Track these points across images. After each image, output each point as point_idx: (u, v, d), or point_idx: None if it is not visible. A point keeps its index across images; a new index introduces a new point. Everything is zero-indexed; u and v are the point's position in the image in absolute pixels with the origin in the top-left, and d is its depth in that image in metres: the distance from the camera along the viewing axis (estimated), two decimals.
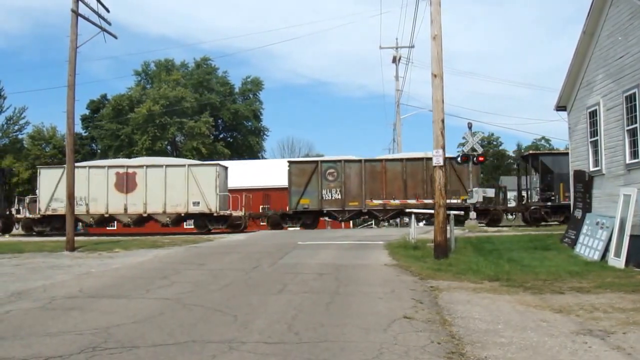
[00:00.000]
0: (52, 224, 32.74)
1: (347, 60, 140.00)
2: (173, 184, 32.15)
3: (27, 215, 33.36)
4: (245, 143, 78.19)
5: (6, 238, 29.68)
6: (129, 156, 62.94)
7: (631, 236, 12.97)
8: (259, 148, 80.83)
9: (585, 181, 16.69)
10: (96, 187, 32.18)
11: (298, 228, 33.05)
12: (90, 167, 33.54)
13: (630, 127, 14.01)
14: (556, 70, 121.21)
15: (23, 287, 11.67)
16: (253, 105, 79.90)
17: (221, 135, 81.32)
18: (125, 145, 69.62)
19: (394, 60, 47.48)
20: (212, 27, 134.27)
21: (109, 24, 22.84)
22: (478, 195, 28.20)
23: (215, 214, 31.48)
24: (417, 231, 19.60)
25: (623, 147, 14.31)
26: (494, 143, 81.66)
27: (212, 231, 32.10)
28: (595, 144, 16.18)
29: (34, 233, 32.68)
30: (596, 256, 14.13)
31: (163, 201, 32.11)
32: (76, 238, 21.85)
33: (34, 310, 9.28)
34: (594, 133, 16.17)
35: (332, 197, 32.49)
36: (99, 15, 22.31)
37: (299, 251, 17.88)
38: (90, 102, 75.85)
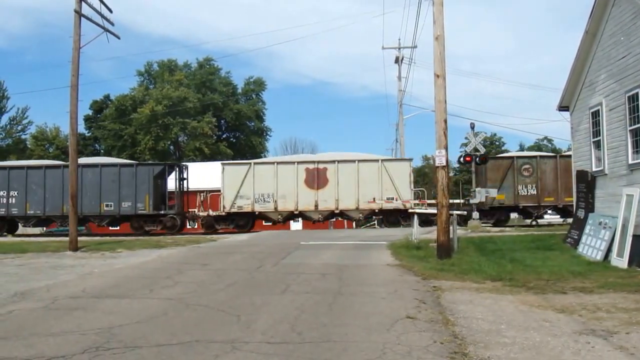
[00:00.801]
0: (235, 221, 32.68)
1: (349, 60, 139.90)
2: (365, 179, 31.93)
3: (211, 213, 33.19)
4: (248, 143, 78.23)
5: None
6: (131, 156, 63.08)
7: (634, 236, 12.95)
8: (262, 148, 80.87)
9: (587, 181, 16.68)
10: (285, 183, 31.93)
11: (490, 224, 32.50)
12: (278, 162, 33.16)
13: (633, 127, 13.99)
14: (558, 70, 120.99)
15: (26, 287, 11.70)
16: (256, 105, 79.95)
17: (224, 136, 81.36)
18: (128, 145, 69.71)
19: (397, 60, 47.44)
20: (215, 27, 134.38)
21: (112, 24, 22.89)
22: (481, 195, 28.19)
23: (409, 210, 29.94)
24: (420, 231, 19.59)
25: (626, 147, 14.28)
26: (497, 143, 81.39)
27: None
28: (597, 144, 16.16)
29: (219, 230, 32.65)
30: (599, 256, 14.11)
31: (356, 197, 31.96)
32: (79, 238, 21.90)
33: (37, 310, 9.30)
34: (597, 133, 16.15)
35: (527, 192, 32.24)
36: (102, 16, 22.34)
37: (302, 251, 17.90)
38: (94, 103, 75.95)
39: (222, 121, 78.53)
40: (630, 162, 14.11)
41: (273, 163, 32.77)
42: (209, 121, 70.89)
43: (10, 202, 32.96)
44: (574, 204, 18.29)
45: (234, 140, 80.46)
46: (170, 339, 7.12)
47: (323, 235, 26.81)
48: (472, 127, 29.99)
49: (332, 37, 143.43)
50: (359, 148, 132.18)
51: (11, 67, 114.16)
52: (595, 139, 16.26)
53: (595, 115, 16.18)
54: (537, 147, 71.43)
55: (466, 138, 30.73)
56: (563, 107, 18.79)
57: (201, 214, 34.30)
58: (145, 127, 68.23)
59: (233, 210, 32.23)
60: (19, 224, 34.64)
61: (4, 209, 32.86)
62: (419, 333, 7.28)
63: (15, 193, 32.90)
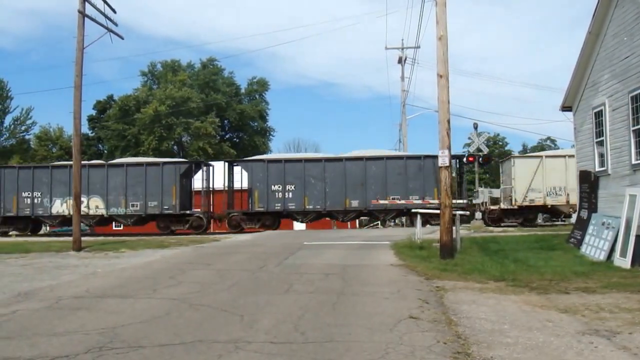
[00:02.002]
0: (524, 215, 32.49)
1: (353, 61, 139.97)
2: None
3: (502, 206, 32.69)
4: (251, 143, 78.26)
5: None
6: (135, 157, 63.14)
7: (637, 236, 12.92)
8: (265, 148, 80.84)
9: (590, 181, 16.67)
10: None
11: None
12: (567, 156, 32.35)
13: (636, 127, 13.98)
14: (562, 70, 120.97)
15: (30, 287, 11.73)
16: (259, 105, 80.00)
17: (227, 136, 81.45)
18: (131, 145, 69.80)
19: (400, 60, 47.45)
20: (218, 28, 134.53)
21: (116, 24, 22.94)
22: (484, 195, 28.19)
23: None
24: (423, 231, 19.59)
25: (629, 148, 14.28)
26: (500, 143, 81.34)
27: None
28: (600, 144, 16.15)
29: (516, 225, 32.33)
30: (602, 256, 14.10)
31: None
32: (82, 238, 21.94)
33: (41, 310, 9.32)
34: (600, 133, 16.14)
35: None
36: (106, 16, 22.39)
37: (304, 251, 17.90)
38: (97, 103, 76.13)
39: (226, 121, 78.60)
40: (633, 162, 14.11)
41: (564, 156, 31.94)
42: (212, 121, 70.95)
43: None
44: (577, 204, 18.29)
45: (237, 141, 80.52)
46: (173, 339, 7.14)
47: (326, 235, 26.81)
48: (476, 127, 30.03)
49: (335, 37, 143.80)
50: (362, 148, 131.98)
51: (16, 67, 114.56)
52: (598, 139, 16.25)
53: (599, 115, 16.17)
54: (540, 147, 71.38)
55: (469, 138, 30.77)
56: (566, 108, 18.78)
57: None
58: (149, 127, 68.30)
59: (525, 203, 31.77)
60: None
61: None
62: (422, 333, 7.28)
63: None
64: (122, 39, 23.58)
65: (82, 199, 31.83)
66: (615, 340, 6.88)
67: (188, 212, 33.60)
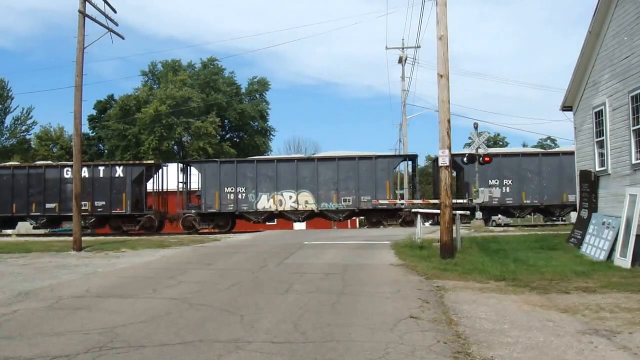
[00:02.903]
0: None
1: (353, 61, 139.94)
2: None
3: None
4: (252, 143, 78.17)
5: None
6: (136, 156, 63.18)
7: (637, 236, 12.92)
8: (266, 148, 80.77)
9: (591, 181, 16.66)
10: None
11: None
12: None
13: (637, 127, 13.98)
14: (562, 70, 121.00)
15: (30, 287, 11.73)
16: (260, 105, 79.91)
17: (228, 136, 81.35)
18: (132, 145, 69.74)
19: (401, 60, 47.42)
20: (219, 28, 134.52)
21: (116, 24, 22.95)
22: (484, 195, 28.16)
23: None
24: (423, 231, 19.59)
25: (629, 148, 14.28)
26: (500, 143, 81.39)
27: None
28: (601, 144, 16.15)
29: None
30: (602, 256, 14.10)
31: None
32: (83, 238, 21.95)
33: (41, 310, 9.33)
34: (600, 133, 16.14)
35: None
36: (107, 17, 22.41)
37: (305, 251, 17.91)
38: (98, 103, 76.05)
39: (226, 121, 78.52)
40: (633, 162, 14.11)
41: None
42: (213, 121, 70.87)
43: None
44: (578, 204, 18.28)
45: (238, 141, 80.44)
46: (173, 339, 7.14)
47: (326, 235, 26.82)
48: (476, 127, 29.95)
49: (336, 37, 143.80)
50: (362, 147, 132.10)
51: (16, 67, 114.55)
52: (599, 139, 16.25)
53: (599, 115, 16.17)
54: (541, 147, 71.29)
55: (470, 138, 30.70)
56: (567, 107, 18.77)
57: None
58: (150, 127, 68.24)
59: None
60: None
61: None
62: (422, 333, 7.29)
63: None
64: (123, 39, 23.61)
65: (291, 194, 32.66)
66: (615, 340, 6.88)
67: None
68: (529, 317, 8.21)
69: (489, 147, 31.68)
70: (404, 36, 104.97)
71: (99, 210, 33.41)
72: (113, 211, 33.37)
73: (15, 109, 68.87)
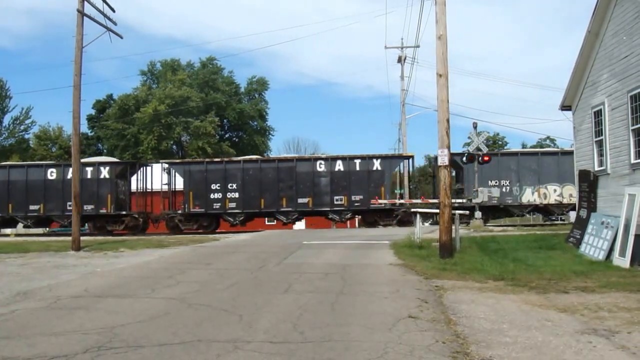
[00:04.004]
0: None
1: (353, 60, 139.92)
2: None
3: None
4: (251, 143, 78.20)
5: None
6: (134, 156, 63.19)
7: (636, 236, 12.93)
8: (265, 148, 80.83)
9: (590, 181, 16.66)
10: None
11: None
12: None
13: (635, 126, 13.98)
14: (561, 70, 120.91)
15: (28, 286, 11.72)
16: (258, 105, 79.93)
17: (227, 135, 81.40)
18: (131, 145, 69.76)
19: (400, 60, 47.46)
20: (218, 27, 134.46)
21: (115, 23, 22.93)
22: (483, 195, 28.16)
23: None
24: (422, 230, 19.58)
25: (628, 147, 14.28)
26: (499, 143, 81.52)
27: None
28: (600, 144, 16.14)
29: None
30: (601, 256, 14.10)
31: None
32: (82, 238, 21.93)
33: (40, 309, 9.32)
34: (599, 133, 16.14)
35: None
36: (105, 15, 22.38)
37: (304, 251, 17.90)
38: (96, 102, 76.10)
39: (225, 120, 78.54)
40: (632, 161, 14.11)
41: None
42: (211, 120, 70.88)
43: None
44: (577, 203, 18.29)
45: (237, 140, 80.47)
46: (172, 339, 7.14)
47: (325, 234, 26.82)
48: (475, 126, 29.97)
49: (335, 36, 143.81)
50: (362, 147, 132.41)
51: (15, 67, 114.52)
52: (598, 139, 16.24)
53: (598, 114, 16.16)
54: (540, 146, 71.37)
55: (469, 137, 30.72)
56: (565, 107, 18.76)
57: None
58: (148, 126, 68.23)
59: None
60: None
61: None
62: (421, 332, 7.28)
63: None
64: (121, 38, 23.59)
65: (555, 187, 32.10)
66: (614, 340, 6.88)
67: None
68: (528, 316, 8.21)
69: (487, 146, 31.70)
70: (403, 35, 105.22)
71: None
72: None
73: (13, 108, 68.80)
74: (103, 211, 33.19)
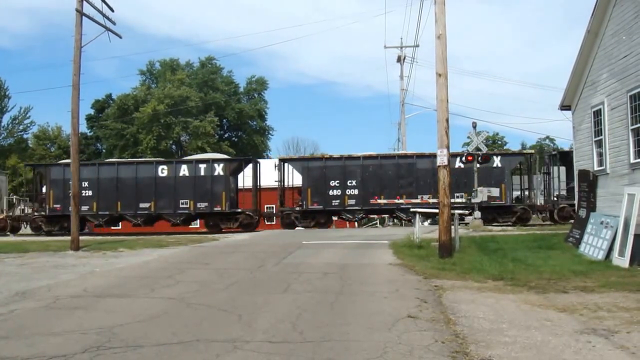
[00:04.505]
0: None
1: (352, 59, 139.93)
2: None
3: None
4: (250, 142, 78.16)
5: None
6: (133, 156, 63.13)
7: (635, 235, 12.92)
8: (264, 147, 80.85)
9: (589, 180, 16.66)
10: None
11: None
12: None
13: (635, 126, 13.98)
14: (561, 69, 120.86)
15: (27, 286, 11.71)
16: (258, 104, 79.89)
17: (226, 135, 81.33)
18: (130, 144, 69.71)
19: (399, 59, 47.48)
20: (217, 27, 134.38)
21: (114, 23, 22.91)
22: (482, 194, 28.13)
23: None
24: (422, 230, 19.57)
25: (627, 147, 14.28)
26: (499, 142, 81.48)
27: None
28: (599, 144, 16.14)
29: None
30: (600, 255, 14.10)
31: None
32: (80, 237, 21.90)
33: (38, 309, 9.32)
34: (598, 132, 16.14)
35: None
36: (104, 15, 22.36)
37: (303, 250, 17.89)
38: (95, 102, 76.00)
39: (224, 120, 78.50)
40: (631, 161, 14.11)
41: None
42: (211, 120, 70.82)
43: None
44: (576, 203, 18.28)
45: (236, 140, 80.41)
46: (171, 338, 7.13)
47: (325, 234, 26.80)
48: (474, 126, 29.96)
49: (334, 36, 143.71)
50: (361, 147, 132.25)
51: (13, 66, 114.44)
52: (597, 138, 16.24)
53: (597, 114, 16.16)
54: (539, 146, 71.42)
55: (468, 137, 30.72)
56: (565, 107, 18.77)
57: None
58: (147, 126, 68.17)
59: None
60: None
61: None
62: (420, 332, 7.28)
63: None
64: (120, 37, 23.54)
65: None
66: (613, 340, 6.88)
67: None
68: (527, 316, 8.21)
69: (487, 146, 31.72)
70: (402, 35, 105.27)
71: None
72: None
73: (12, 108, 68.67)
74: (217, 209, 32.29)
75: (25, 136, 71.45)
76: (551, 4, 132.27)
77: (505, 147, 78.58)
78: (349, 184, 32.79)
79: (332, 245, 19.72)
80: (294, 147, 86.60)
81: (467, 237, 20.49)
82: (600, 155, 16.15)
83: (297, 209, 33.60)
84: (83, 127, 70.30)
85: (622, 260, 13.04)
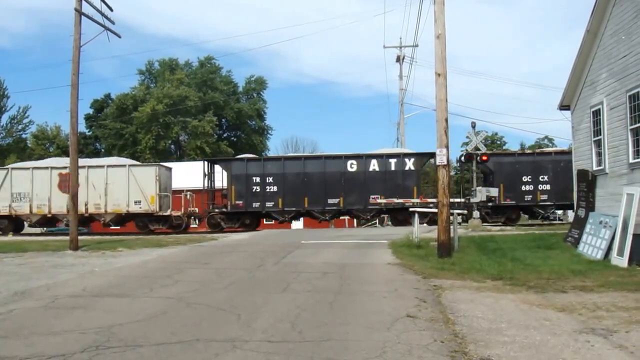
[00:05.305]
0: None
1: (352, 59, 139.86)
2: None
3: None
4: (249, 142, 78.21)
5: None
6: (132, 155, 63.10)
7: (634, 235, 12.94)
8: (263, 147, 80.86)
9: (588, 180, 16.67)
10: None
11: None
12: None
13: (634, 126, 13.99)
14: (560, 69, 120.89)
15: (26, 286, 11.69)
16: (257, 104, 79.92)
17: (225, 135, 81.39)
18: (129, 144, 69.76)
19: (398, 59, 47.48)
20: (216, 26, 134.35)
21: (113, 23, 22.90)
22: (481, 194, 28.15)
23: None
24: (421, 230, 19.57)
25: (626, 146, 14.28)
26: (498, 142, 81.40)
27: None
28: (598, 143, 16.15)
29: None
30: (599, 255, 14.10)
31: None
32: (80, 237, 21.89)
33: (37, 309, 9.31)
34: (598, 132, 16.14)
35: None
36: (103, 15, 22.35)
37: (302, 250, 17.89)
38: (94, 102, 76.04)
39: (223, 120, 78.53)
40: (630, 161, 14.11)
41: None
42: (210, 120, 70.88)
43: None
44: (575, 203, 18.29)
45: (235, 139, 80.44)
46: (170, 338, 7.13)
47: (324, 234, 26.80)
48: (473, 126, 30.04)
49: (334, 36, 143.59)
50: (361, 147, 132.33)
51: (12, 66, 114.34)
52: (596, 138, 16.25)
53: (596, 114, 16.17)
54: (539, 146, 71.37)
55: (467, 137, 30.79)
56: (564, 106, 18.78)
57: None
58: (146, 126, 68.22)
59: None
60: None
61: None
62: (419, 332, 7.28)
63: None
64: (119, 37, 23.53)
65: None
66: (612, 339, 6.88)
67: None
68: (526, 315, 8.21)
69: (486, 145, 31.75)
70: (401, 35, 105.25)
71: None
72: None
73: (11, 107, 68.87)
74: (409, 203, 31.34)
75: (24, 136, 71.64)
76: (551, 4, 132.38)
77: (504, 147, 78.59)
78: (541, 179, 32.19)
79: (331, 244, 19.72)
80: (292, 147, 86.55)
81: (466, 237, 20.50)
82: (599, 155, 16.16)
83: (490, 204, 32.41)
84: (82, 127, 70.49)
85: (620, 260, 13.05)
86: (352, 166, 32.58)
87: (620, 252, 13.21)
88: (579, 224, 16.77)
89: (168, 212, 32.77)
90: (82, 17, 21.56)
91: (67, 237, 21.71)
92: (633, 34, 14.04)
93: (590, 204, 16.51)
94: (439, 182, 15.72)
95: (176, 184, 35.62)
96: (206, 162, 35.08)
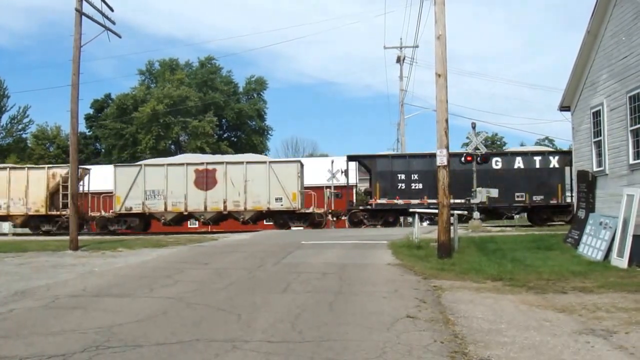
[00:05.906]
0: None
1: (352, 60, 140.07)
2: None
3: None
4: (249, 142, 78.17)
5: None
6: (132, 155, 63.13)
7: (634, 236, 12.94)
8: (263, 147, 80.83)
9: (588, 181, 16.67)
10: None
11: None
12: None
13: (634, 127, 14.00)
14: (561, 70, 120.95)
15: (26, 286, 11.70)
16: (257, 104, 79.90)
17: (225, 135, 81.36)
18: (129, 144, 69.76)
19: (398, 60, 47.45)
20: (217, 26, 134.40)
21: (113, 23, 22.92)
22: (481, 195, 28.12)
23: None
24: (421, 230, 19.57)
25: (627, 148, 14.29)
26: (498, 143, 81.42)
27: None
28: (598, 144, 16.16)
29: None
30: (599, 256, 14.10)
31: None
32: (79, 237, 21.90)
33: (37, 309, 9.31)
34: (598, 133, 16.15)
35: None
36: (103, 15, 22.37)
37: (302, 250, 17.88)
38: (95, 102, 76.08)
39: (223, 120, 78.51)
40: (631, 162, 14.12)
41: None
42: (210, 120, 70.85)
43: None
44: (575, 203, 18.30)
45: (235, 140, 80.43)
46: (170, 338, 7.13)
47: (324, 234, 26.77)
48: (474, 126, 29.98)
49: (334, 36, 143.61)
50: (361, 147, 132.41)
51: (12, 66, 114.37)
52: (596, 139, 16.26)
53: (597, 115, 16.18)
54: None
55: (467, 137, 30.77)
56: (564, 107, 18.79)
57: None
58: (146, 126, 68.21)
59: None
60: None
61: None
62: (419, 332, 7.28)
63: None
64: (120, 37, 23.54)
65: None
66: (611, 340, 6.88)
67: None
68: (526, 316, 8.21)
69: (486, 146, 31.72)
70: (402, 35, 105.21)
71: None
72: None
73: (11, 107, 68.96)
74: (553, 202, 31.56)
75: (24, 136, 71.72)
76: (551, 5, 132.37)
77: (504, 148, 78.59)
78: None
79: (331, 245, 19.70)
80: (292, 147, 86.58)
81: (466, 237, 20.50)
82: (599, 156, 16.17)
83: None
84: (82, 127, 70.41)
85: (620, 261, 13.05)
86: (497, 163, 32.28)
87: (620, 253, 13.21)
88: (579, 224, 16.77)
89: (310, 209, 32.23)
90: (83, 17, 21.59)
91: (67, 237, 21.70)
92: (633, 35, 14.05)
93: (590, 205, 16.51)
94: (439, 183, 15.72)
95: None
96: (345, 159, 34.76)
